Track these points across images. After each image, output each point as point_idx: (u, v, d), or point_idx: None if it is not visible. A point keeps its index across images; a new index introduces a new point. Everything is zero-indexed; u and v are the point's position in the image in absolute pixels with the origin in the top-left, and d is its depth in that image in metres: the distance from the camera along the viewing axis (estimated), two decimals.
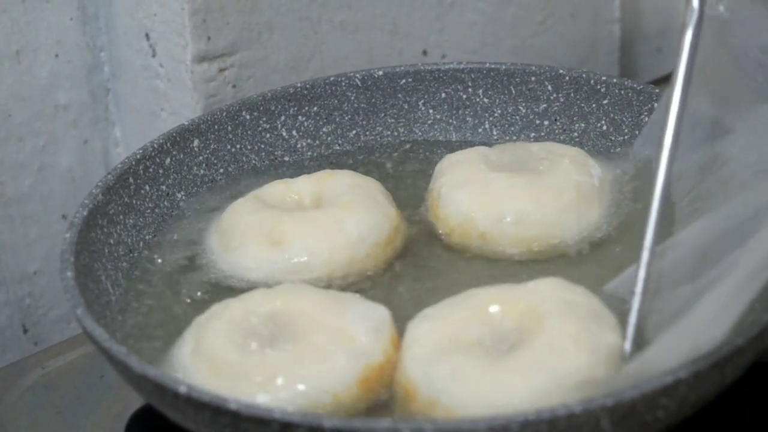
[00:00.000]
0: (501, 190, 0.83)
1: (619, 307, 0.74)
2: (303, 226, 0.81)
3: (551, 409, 0.63)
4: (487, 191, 0.83)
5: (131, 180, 0.85)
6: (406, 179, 0.91)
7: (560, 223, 0.82)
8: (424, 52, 1.11)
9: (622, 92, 0.91)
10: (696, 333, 0.65)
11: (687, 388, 0.65)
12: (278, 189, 0.86)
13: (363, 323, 0.73)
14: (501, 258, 0.82)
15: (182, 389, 0.66)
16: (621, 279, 0.76)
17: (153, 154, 0.87)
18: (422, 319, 0.74)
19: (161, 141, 0.87)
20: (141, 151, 0.86)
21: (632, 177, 0.87)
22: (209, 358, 0.71)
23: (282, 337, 0.72)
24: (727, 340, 0.66)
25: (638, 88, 0.90)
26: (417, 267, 0.82)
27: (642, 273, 0.72)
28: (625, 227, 0.83)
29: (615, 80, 0.91)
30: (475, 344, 0.71)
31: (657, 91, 0.89)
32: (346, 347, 0.71)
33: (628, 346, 0.71)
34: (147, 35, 1.02)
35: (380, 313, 0.74)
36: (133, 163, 0.85)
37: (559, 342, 0.69)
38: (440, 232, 0.84)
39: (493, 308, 0.73)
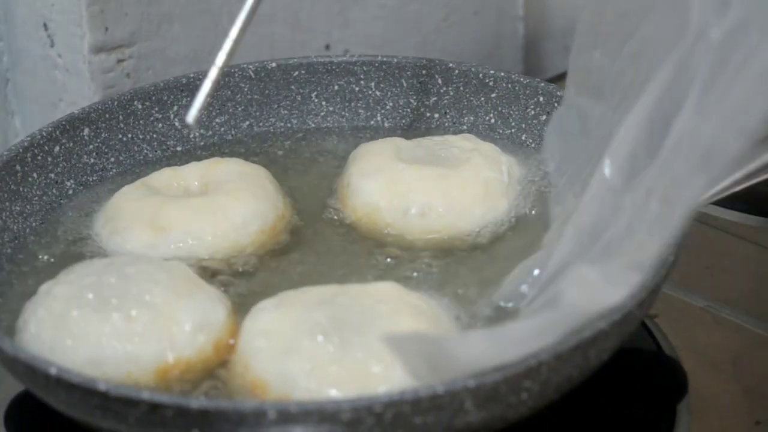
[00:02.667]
0: (408, 182, 0.84)
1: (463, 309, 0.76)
2: (187, 213, 0.81)
3: (414, 390, 0.64)
4: (395, 182, 0.84)
5: (18, 168, 0.85)
6: (298, 167, 0.92)
7: (465, 217, 0.83)
8: (327, 47, 1.12)
9: (510, 86, 0.92)
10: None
11: (549, 370, 0.66)
12: (165, 176, 0.86)
13: (193, 316, 0.73)
14: (404, 248, 0.82)
15: (52, 371, 0.66)
16: (504, 288, 0.78)
17: (41, 142, 0.87)
18: (260, 311, 0.74)
19: (50, 129, 0.88)
20: (29, 139, 0.86)
21: (542, 176, 0.88)
22: (51, 318, 0.73)
23: (116, 305, 0.73)
24: (588, 324, 0.68)
25: (524, 82, 0.92)
26: (304, 254, 0.83)
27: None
28: (528, 225, 0.84)
29: (503, 74, 0.93)
30: (321, 337, 0.70)
31: (542, 85, 0.91)
32: (161, 334, 0.72)
33: (191, 118, 0.76)
34: (45, 25, 1.02)
35: (217, 313, 0.74)
36: (21, 150, 0.85)
37: None
38: (348, 221, 0.85)
39: (335, 303, 0.73)
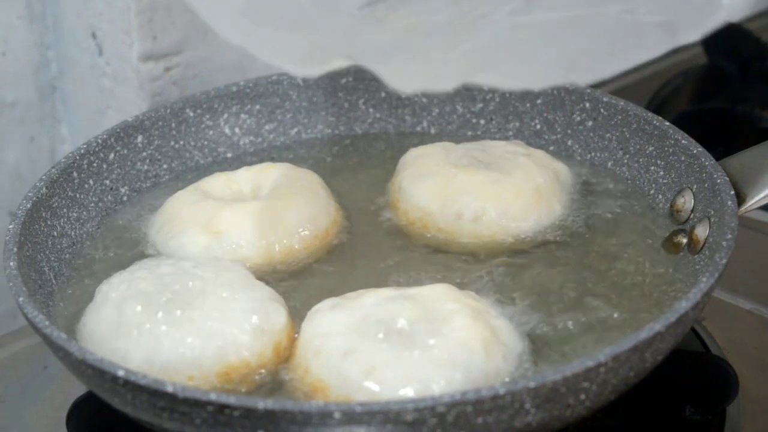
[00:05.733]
0: (461, 186, 0.84)
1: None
2: (242, 217, 0.83)
3: (476, 390, 0.65)
4: (447, 186, 0.85)
5: (75, 174, 0.87)
6: (346, 172, 0.93)
7: (518, 223, 0.84)
8: None
9: (555, 92, 0.93)
10: None
11: (607, 371, 0.67)
12: (218, 180, 0.88)
13: (255, 318, 0.74)
14: (456, 252, 0.83)
15: (120, 373, 0.67)
16: None
17: (97, 149, 0.88)
18: (317, 314, 0.75)
19: (105, 137, 0.89)
20: (85, 146, 0.88)
21: (588, 181, 0.89)
22: (114, 321, 0.74)
23: (177, 308, 0.74)
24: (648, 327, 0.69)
25: (570, 88, 0.93)
26: (357, 258, 0.84)
27: None
28: (580, 230, 0.85)
29: None
30: (380, 338, 0.71)
31: (588, 91, 0.92)
32: (224, 336, 0.73)
33: None
34: (94, 34, 1.04)
35: (278, 315, 0.75)
36: (77, 157, 0.87)
37: (473, 344, 0.71)
38: (400, 224, 0.86)
39: (392, 305, 0.74)
